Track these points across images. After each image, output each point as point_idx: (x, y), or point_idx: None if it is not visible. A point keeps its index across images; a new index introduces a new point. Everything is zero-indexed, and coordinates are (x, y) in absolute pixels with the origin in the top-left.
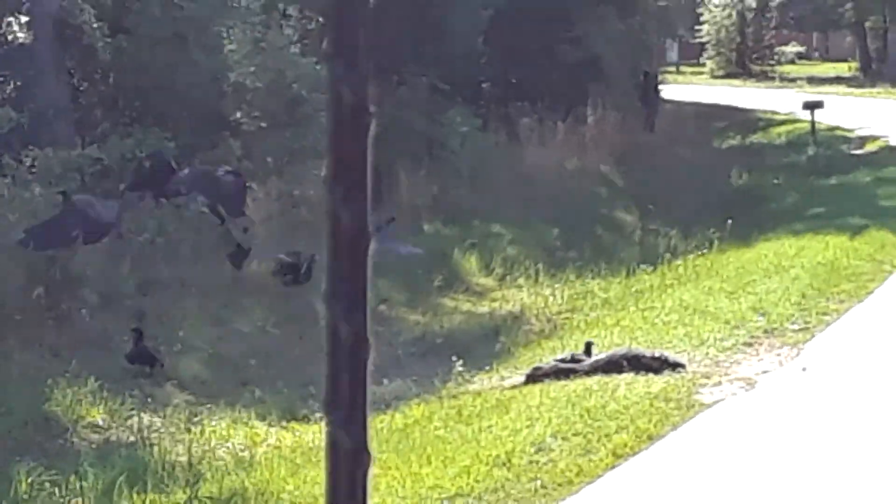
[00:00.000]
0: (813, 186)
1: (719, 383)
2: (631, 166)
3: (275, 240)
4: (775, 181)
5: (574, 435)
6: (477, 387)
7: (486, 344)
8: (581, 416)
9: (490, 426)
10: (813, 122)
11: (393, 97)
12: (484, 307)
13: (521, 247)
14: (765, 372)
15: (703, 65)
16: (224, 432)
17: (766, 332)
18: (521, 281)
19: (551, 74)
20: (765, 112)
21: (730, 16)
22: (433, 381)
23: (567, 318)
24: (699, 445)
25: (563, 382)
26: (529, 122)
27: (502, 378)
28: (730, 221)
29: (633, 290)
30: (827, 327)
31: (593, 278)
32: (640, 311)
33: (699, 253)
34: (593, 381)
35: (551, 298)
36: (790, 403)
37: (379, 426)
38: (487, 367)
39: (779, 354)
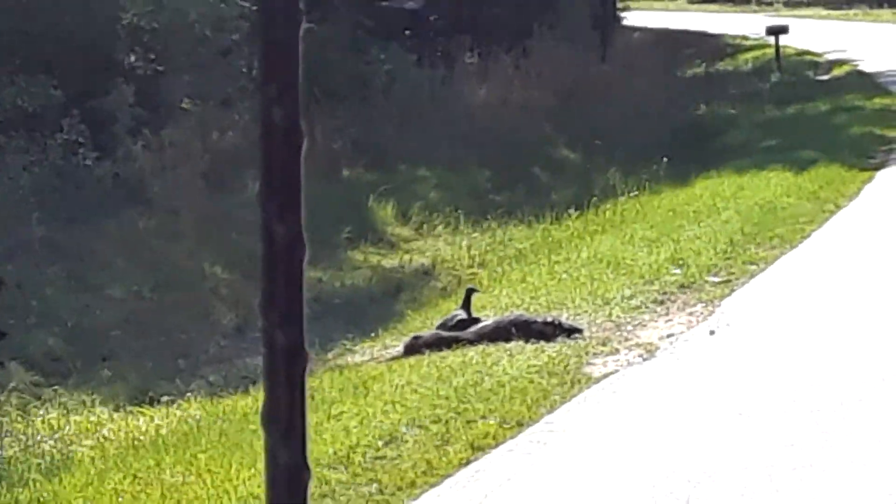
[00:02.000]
0: (769, 117)
1: (616, 351)
2: (581, 100)
3: (171, 193)
4: (731, 111)
5: (434, 422)
6: (358, 358)
7: (385, 305)
8: (447, 397)
9: (341, 413)
10: (777, 48)
11: (312, 35)
12: (394, 261)
13: (447, 192)
14: (669, 336)
15: None
16: (55, 422)
17: (681, 286)
18: (439, 230)
19: (497, 4)
20: (734, 37)
21: None
22: (312, 351)
23: (474, 274)
24: (574, 432)
25: (442, 354)
26: (471, 56)
27: (385, 347)
28: (665, 160)
29: (550, 239)
30: (751, 279)
31: (516, 225)
32: (552, 263)
33: (630, 195)
34: (476, 352)
35: (466, 250)
36: (690, 376)
37: (221, 413)
38: (374, 334)
39: (691, 314)
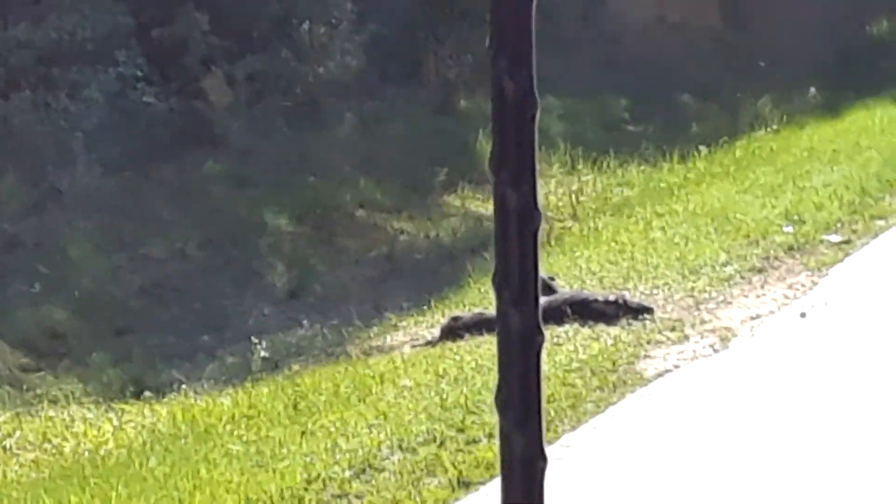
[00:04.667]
0: None
1: (685, 339)
2: (748, 17)
3: (245, 132)
4: None
5: (424, 444)
6: (399, 338)
7: (461, 264)
8: (453, 407)
9: (321, 428)
10: None
11: None
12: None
13: (574, 124)
14: (754, 318)
15: None
16: (7, 426)
17: (790, 249)
18: (555, 169)
19: None
20: None
21: None
22: (356, 327)
23: (566, 228)
24: (590, 457)
25: (479, 340)
26: None
27: (431, 325)
28: (812, 90)
29: (664, 184)
30: (873, 240)
31: (640, 164)
32: (653, 217)
33: (769, 129)
34: None
35: (571, 196)
36: (764, 375)
37: (191, 419)
38: (426, 306)
39: (790, 286)
